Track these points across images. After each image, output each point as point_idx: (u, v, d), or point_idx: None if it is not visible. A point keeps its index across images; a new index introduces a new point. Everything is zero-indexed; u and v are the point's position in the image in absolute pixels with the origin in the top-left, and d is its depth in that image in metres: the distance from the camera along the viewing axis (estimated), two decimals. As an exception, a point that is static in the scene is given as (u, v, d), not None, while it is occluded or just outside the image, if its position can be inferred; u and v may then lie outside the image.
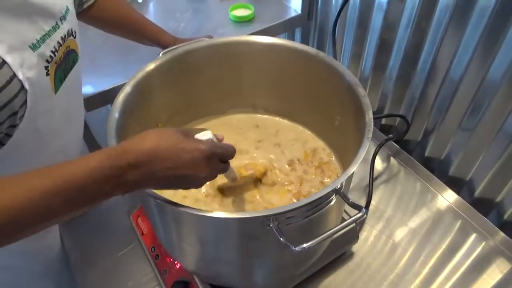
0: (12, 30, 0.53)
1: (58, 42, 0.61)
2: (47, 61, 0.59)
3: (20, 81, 0.53)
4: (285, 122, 0.92)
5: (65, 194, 0.44)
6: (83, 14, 0.81)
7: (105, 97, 0.98)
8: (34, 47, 0.56)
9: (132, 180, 0.47)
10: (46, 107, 0.60)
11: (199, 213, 0.53)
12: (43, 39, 0.58)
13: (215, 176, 0.56)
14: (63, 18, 0.63)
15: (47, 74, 0.59)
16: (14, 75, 0.52)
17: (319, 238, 0.52)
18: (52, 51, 0.59)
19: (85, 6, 0.80)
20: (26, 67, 0.54)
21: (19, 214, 0.42)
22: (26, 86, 0.54)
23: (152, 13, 1.29)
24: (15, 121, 0.55)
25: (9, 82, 0.51)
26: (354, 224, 0.81)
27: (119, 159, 0.46)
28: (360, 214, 0.54)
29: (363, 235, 0.90)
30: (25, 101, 0.55)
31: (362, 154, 0.58)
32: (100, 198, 0.47)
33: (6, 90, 0.51)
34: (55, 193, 0.43)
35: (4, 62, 0.51)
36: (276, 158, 0.85)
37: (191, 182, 0.53)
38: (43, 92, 0.59)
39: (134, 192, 0.49)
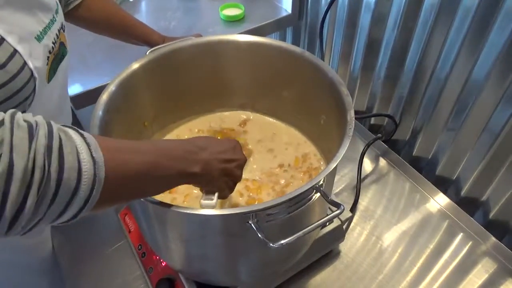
0: (20, 22, 0.56)
1: (56, 34, 0.64)
2: (49, 52, 0.62)
3: (30, 69, 0.56)
4: (274, 121, 0.92)
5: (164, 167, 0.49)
6: (69, 14, 0.81)
7: (94, 96, 0.97)
8: (38, 38, 0.59)
9: (203, 159, 0.54)
10: (42, 95, 0.62)
11: (180, 210, 0.53)
12: (44, 31, 0.61)
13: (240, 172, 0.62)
14: (56, 12, 0.66)
15: (47, 64, 0.62)
16: (25, 64, 0.55)
17: (296, 235, 0.52)
18: (53, 43, 0.63)
19: (72, 6, 0.81)
20: (34, 57, 0.57)
21: (140, 177, 0.45)
22: (35, 74, 0.57)
23: (143, 12, 1.29)
24: (24, 108, 0.58)
25: (21, 70, 0.54)
26: (339, 222, 0.82)
27: (191, 142, 0.55)
28: (338, 211, 0.54)
29: (352, 235, 0.90)
30: (34, 89, 0.58)
31: (342, 151, 0.58)
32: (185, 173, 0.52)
33: (19, 77, 0.54)
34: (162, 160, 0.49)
35: (16, 51, 0.53)
36: (268, 160, 0.85)
37: (235, 170, 0.59)
38: (41, 81, 0.61)
39: (204, 174, 0.54)
